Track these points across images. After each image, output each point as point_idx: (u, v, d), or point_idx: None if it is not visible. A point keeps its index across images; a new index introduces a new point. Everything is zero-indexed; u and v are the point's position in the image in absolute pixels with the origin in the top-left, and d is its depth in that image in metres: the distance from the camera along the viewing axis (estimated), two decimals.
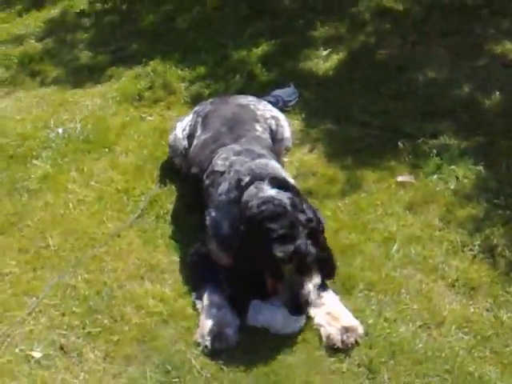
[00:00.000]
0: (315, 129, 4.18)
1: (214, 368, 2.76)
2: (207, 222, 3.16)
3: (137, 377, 2.74)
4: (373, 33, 5.40)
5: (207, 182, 3.28)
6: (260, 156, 3.29)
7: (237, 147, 3.36)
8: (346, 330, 2.83)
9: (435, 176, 3.72)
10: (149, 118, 4.44)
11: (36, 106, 4.66)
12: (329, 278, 3.06)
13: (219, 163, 3.28)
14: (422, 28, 5.36)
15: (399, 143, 3.94)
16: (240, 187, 3.07)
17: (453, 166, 3.76)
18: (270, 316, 2.89)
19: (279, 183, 3.03)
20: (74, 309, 3.06)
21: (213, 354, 2.80)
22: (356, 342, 2.81)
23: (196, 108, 3.93)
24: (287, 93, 4.47)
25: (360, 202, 3.57)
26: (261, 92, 4.45)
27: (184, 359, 2.79)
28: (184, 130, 3.81)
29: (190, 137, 3.75)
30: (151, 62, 5.04)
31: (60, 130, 4.28)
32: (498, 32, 5.26)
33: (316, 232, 2.92)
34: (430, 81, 4.62)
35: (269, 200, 2.88)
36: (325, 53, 5.11)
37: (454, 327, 2.88)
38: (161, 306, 3.06)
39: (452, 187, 3.64)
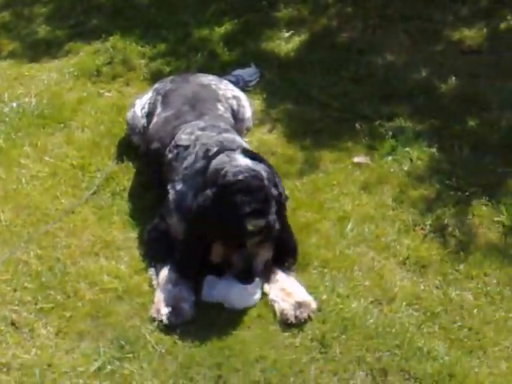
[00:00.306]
0: (275, 109, 4.19)
1: (169, 343, 2.76)
2: (170, 196, 3.11)
3: (90, 352, 2.72)
4: (335, 16, 5.42)
5: (170, 156, 3.24)
6: (226, 131, 3.29)
7: (201, 123, 3.33)
8: (300, 305, 2.86)
9: (390, 157, 3.78)
10: (107, 93, 4.37)
11: None
12: (289, 260, 3.06)
13: (183, 137, 3.24)
14: (384, 12, 5.41)
15: (356, 125, 3.99)
16: (207, 157, 3.04)
17: (407, 148, 3.82)
18: (225, 291, 2.91)
19: (252, 154, 3.00)
20: (25, 284, 3.02)
21: (168, 329, 2.80)
22: (309, 317, 2.85)
23: (156, 86, 3.87)
24: (248, 73, 4.45)
25: (317, 181, 3.61)
26: (222, 71, 4.44)
27: (138, 334, 2.79)
28: (143, 108, 3.76)
29: (150, 115, 3.70)
30: (111, 38, 4.95)
31: (14, 104, 4.19)
32: (456, 19, 5.35)
33: (282, 208, 2.96)
34: (388, 64, 4.67)
35: (246, 170, 2.83)
36: (287, 34, 5.11)
37: (404, 304, 2.95)
38: (116, 282, 3.04)
39: (406, 168, 3.71)
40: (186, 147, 3.17)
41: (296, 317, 2.84)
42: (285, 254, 3.06)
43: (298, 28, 5.19)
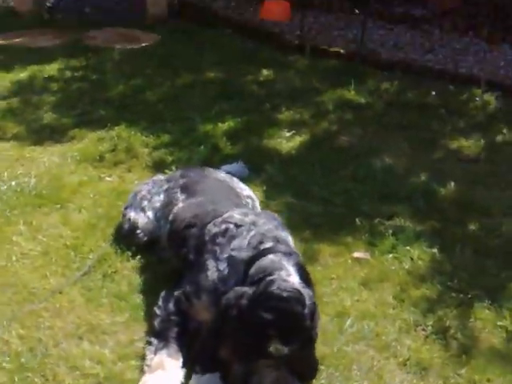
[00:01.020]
0: (275, 201, 4.16)
1: None
2: (210, 273, 2.90)
3: None
4: (335, 121, 5.59)
5: (215, 230, 3.03)
6: (279, 228, 3.05)
7: (249, 211, 3.24)
8: None
9: (390, 255, 3.71)
10: (107, 178, 4.37)
11: None
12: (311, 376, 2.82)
13: (236, 216, 3.06)
14: (382, 120, 5.59)
15: (357, 220, 3.97)
16: (259, 250, 2.84)
17: (408, 247, 3.76)
18: None
19: (303, 273, 2.78)
20: (4, 364, 2.83)
21: None
22: None
23: (165, 186, 3.69)
24: (235, 168, 4.30)
25: (316, 274, 3.49)
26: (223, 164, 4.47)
27: None
28: (157, 210, 3.61)
29: (167, 206, 3.54)
30: (116, 128, 5.05)
31: (13, 183, 4.16)
32: (454, 130, 5.51)
33: (311, 342, 2.73)
34: (387, 167, 4.73)
35: (292, 291, 2.57)
36: (288, 134, 5.22)
37: None
38: (98, 368, 2.85)
39: (406, 267, 3.62)
40: (239, 226, 2.97)
41: None
42: (306, 376, 2.81)
43: (299, 129, 5.33)
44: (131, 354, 2.95)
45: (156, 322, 2.99)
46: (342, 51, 6.98)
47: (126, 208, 3.73)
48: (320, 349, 3.00)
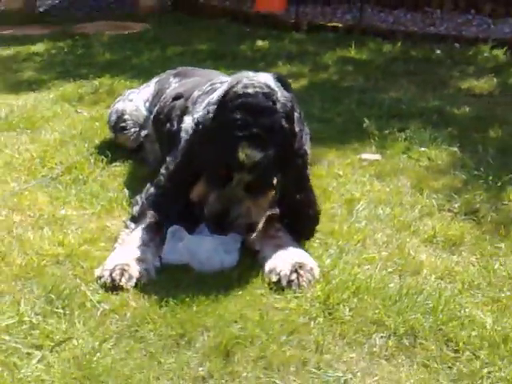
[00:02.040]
0: None
1: (117, 302, 2.02)
2: (184, 130, 2.47)
3: (6, 310, 1.96)
4: (335, 72, 5.20)
5: (199, 93, 2.63)
6: None
7: None
8: (300, 266, 2.15)
9: (404, 156, 3.25)
10: (85, 113, 3.96)
11: None
12: (304, 231, 2.40)
13: (224, 78, 2.74)
14: (387, 69, 5.19)
15: (364, 127, 3.51)
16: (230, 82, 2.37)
17: (423, 148, 3.30)
18: (193, 246, 2.22)
19: (280, 78, 2.36)
20: None
21: (111, 290, 2.08)
22: (309, 282, 2.13)
23: (155, 79, 3.40)
24: None
25: (320, 173, 3.03)
26: None
27: (76, 292, 2.06)
28: (147, 100, 3.26)
29: (153, 106, 3.18)
30: (98, 79, 4.70)
31: None
32: (463, 74, 5.12)
33: (300, 159, 2.32)
34: (395, 98, 4.31)
35: (259, 86, 2.22)
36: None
37: (433, 276, 2.24)
38: (59, 249, 2.36)
39: (424, 164, 3.16)
40: (223, 82, 2.55)
41: (290, 281, 2.12)
42: (300, 223, 2.39)
43: (296, 79, 4.85)
44: (101, 237, 2.47)
45: (135, 209, 2.53)
46: (340, 25, 6.71)
47: (113, 105, 3.37)
48: (327, 226, 2.52)
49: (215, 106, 2.25)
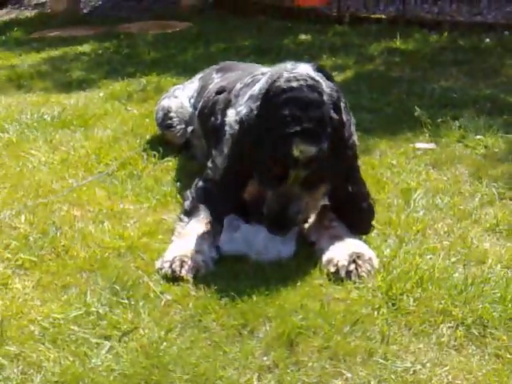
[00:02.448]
0: None
1: (179, 292, 2.04)
2: (228, 123, 2.45)
3: (73, 301, 2.01)
4: (382, 63, 5.13)
5: (241, 86, 2.60)
6: None
7: None
8: (358, 256, 2.13)
9: (460, 144, 3.19)
10: (134, 111, 4.00)
11: (16, 105, 4.28)
12: (360, 226, 2.35)
13: (265, 69, 2.67)
14: (435, 59, 5.11)
15: (416, 115, 3.45)
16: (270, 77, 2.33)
17: (479, 136, 3.23)
18: (250, 236, 2.22)
19: (322, 68, 2.33)
20: (8, 242, 2.39)
21: (172, 280, 2.10)
22: (369, 273, 2.11)
23: (199, 75, 3.43)
24: None
25: (372, 162, 3.00)
26: None
27: (139, 282, 2.09)
28: (191, 97, 3.28)
29: (197, 102, 3.18)
30: (146, 77, 4.75)
31: (35, 115, 3.85)
32: None
33: (351, 151, 2.27)
34: (445, 87, 4.24)
35: (303, 78, 2.18)
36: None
37: (499, 266, 2.18)
38: (119, 242, 2.39)
39: (481, 152, 3.09)
40: (264, 73, 2.52)
41: (349, 272, 2.10)
42: (356, 219, 2.33)
43: (342, 71, 4.84)
44: (159, 230, 2.49)
45: (186, 203, 2.55)
46: (383, 16, 6.62)
47: (159, 101, 3.40)
48: (384, 216, 2.49)
49: (258, 103, 2.21)
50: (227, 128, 2.46)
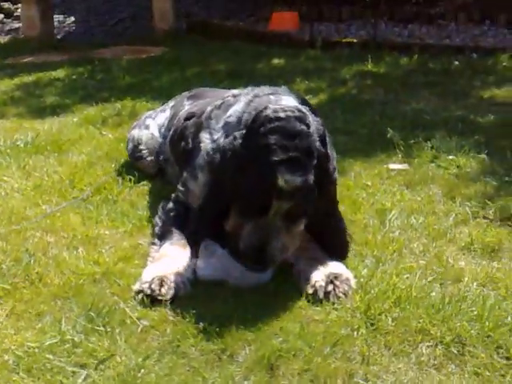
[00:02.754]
0: None
1: (156, 318, 2.01)
2: (204, 146, 2.43)
3: (48, 330, 1.95)
4: (354, 87, 5.22)
5: (211, 108, 2.57)
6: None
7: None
8: (336, 277, 2.13)
9: (432, 164, 3.24)
10: (109, 135, 3.99)
11: None
12: (338, 254, 2.31)
13: (234, 92, 2.65)
14: (406, 81, 5.21)
15: (389, 138, 3.50)
16: (254, 108, 2.34)
17: (451, 156, 3.28)
18: (227, 262, 2.19)
19: (304, 100, 2.37)
20: None
21: (152, 302, 2.07)
22: (346, 295, 2.11)
23: (171, 103, 3.41)
24: None
25: (347, 183, 3.02)
26: None
27: (116, 309, 2.05)
28: (162, 125, 3.28)
29: (167, 130, 3.18)
30: (120, 102, 4.75)
31: (8, 142, 3.80)
32: (484, 83, 5.12)
33: (330, 181, 2.26)
34: (418, 109, 4.31)
35: (290, 109, 2.18)
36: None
37: (475, 283, 2.20)
38: (95, 268, 2.35)
39: (453, 172, 3.14)
40: (237, 95, 2.53)
41: (327, 293, 2.10)
42: (331, 248, 2.31)
43: (315, 94, 4.91)
44: (135, 255, 2.46)
45: (157, 228, 2.53)
46: (355, 40, 6.74)
47: (130, 130, 3.39)
48: (360, 236, 2.50)
49: (243, 132, 2.20)
50: (203, 154, 2.44)
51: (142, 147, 3.28)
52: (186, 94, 3.36)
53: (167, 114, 3.31)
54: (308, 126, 2.15)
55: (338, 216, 2.35)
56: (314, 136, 2.16)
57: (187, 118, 2.82)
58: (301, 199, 2.11)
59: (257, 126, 2.15)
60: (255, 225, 2.15)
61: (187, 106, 3.08)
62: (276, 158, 2.07)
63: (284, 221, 2.16)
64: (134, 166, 3.37)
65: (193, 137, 2.65)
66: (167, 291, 2.09)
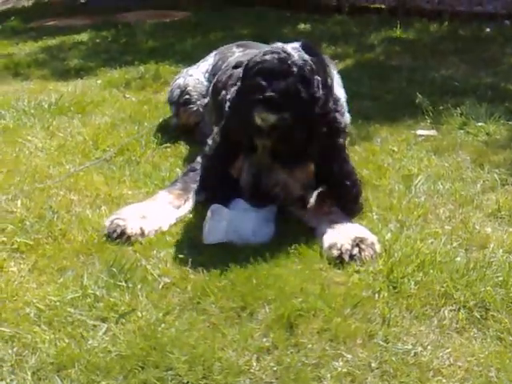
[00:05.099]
0: None
1: (177, 275, 2.01)
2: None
3: (69, 284, 1.97)
4: (382, 52, 5.10)
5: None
6: None
7: None
8: (361, 241, 2.10)
9: (461, 131, 3.16)
10: (133, 98, 3.98)
11: (13, 93, 4.23)
12: (348, 207, 2.32)
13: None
14: (435, 48, 5.08)
15: (417, 102, 3.42)
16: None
17: (481, 123, 3.20)
18: (237, 223, 2.20)
19: (308, 46, 2.34)
20: (4, 225, 2.36)
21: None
22: (372, 257, 2.08)
23: (214, 52, 3.38)
24: None
25: (373, 149, 2.97)
26: None
27: (138, 265, 2.06)
28: (206, 71, 3.26)
29: (212, 75, 3.19)
30: (144, 65, 4.71)
31: (32, 102, 3.81)
32: None
33: (335, 131, 2.27)
34: (446, 75, 4.21)
35: (277, 51, 2.24)
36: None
37: (501, 250, 2.16)
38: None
39: (482, 139, 3.07)
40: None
41: (352, 255, 2.07)
42: (343, 201, 2.32)
43: (342, 59, 4.81)
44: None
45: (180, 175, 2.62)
46: (383, 6, 6.58)
47: (172, 83, 3.37)
48: (384, 201, 2.46)
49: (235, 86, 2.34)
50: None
51: (189, 89, 3.24)
52: (233, 44, 3.31)
53: (210, 61, 3.30)
54: (289, 66, 2.19)
55: (343, 159, 2.33)
56: (294, 76, 2.19)
57: (235, 67, 2.81)
58: (280, 137, 2.18)
59: (247, 69, 2.28)
60: (249, 162, 2.27)
61: (238, 53, 3.07)
62: (253, 98, 2.17)
63: (274, 159, 2.22)
64: (176, 118, 3.27)
65: (231, 88, 2.61)
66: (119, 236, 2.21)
